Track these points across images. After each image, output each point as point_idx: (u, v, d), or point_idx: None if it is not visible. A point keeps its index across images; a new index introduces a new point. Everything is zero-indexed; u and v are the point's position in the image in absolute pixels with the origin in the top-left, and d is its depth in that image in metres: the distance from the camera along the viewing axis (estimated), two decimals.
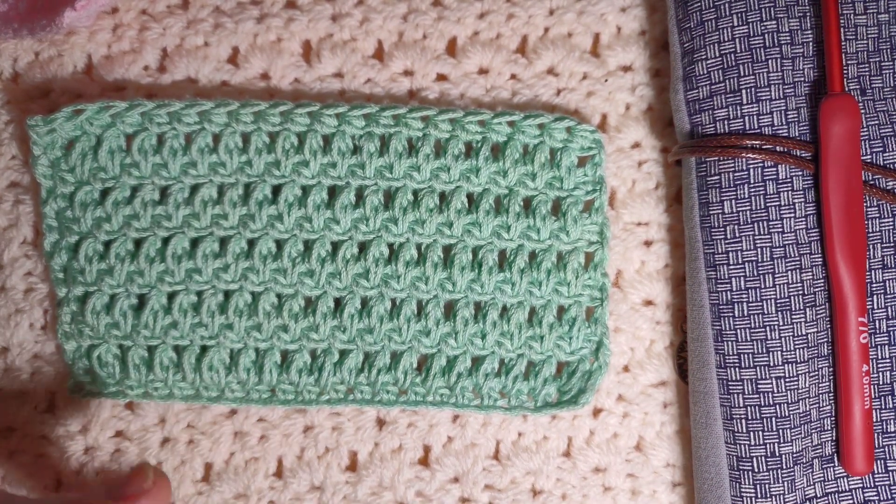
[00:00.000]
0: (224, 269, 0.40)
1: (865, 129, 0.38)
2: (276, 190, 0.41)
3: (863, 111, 0.38)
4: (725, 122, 0.38)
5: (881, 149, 0.38)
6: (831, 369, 0.38)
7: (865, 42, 0.39)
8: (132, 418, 0.42)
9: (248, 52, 0.43)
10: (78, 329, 0.41)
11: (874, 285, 0.38)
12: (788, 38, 0.38)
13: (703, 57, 0.38)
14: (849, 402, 0.37)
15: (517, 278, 0.40)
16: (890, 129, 0.38)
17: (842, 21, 0.39)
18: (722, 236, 0.38)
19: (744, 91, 0.38)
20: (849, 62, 0.39)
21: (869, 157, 0.38)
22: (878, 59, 0.39)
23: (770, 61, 0.38)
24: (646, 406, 0.42)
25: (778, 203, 0.38)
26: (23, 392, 0.42)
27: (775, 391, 0.37)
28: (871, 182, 0.38)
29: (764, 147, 0.37)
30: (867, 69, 0.39)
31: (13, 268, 0.43)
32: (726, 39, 0.38)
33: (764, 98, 0.38)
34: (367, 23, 0.43)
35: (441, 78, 0.43)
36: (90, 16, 0.42)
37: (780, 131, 0.38)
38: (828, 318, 0.38)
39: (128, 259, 0.40)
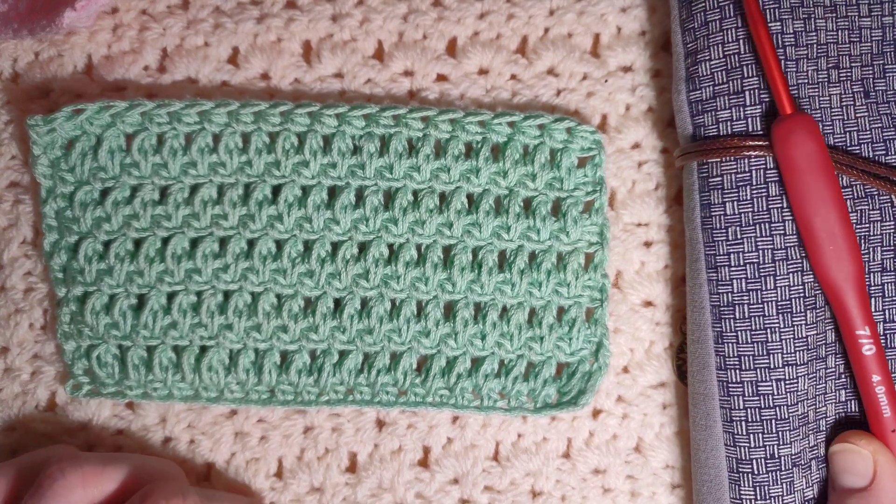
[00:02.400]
0: (224, 270, 0.40)
1: (868, 133, 0.38)
2: (276, 190, 0.41)
3: (865, 114, 0.38)
4: (728, 124, 0.38)
5: (883, 152, 0.38)
6: (829, 371, 0.38)
7: (870, 44, 0.39)
8: (133, 417, 0.42)
9: (248, 53, 0.43)
10: (77, 329, 0.41)
11: (873, 288, 0.38)
12: (792, 39, 0.38)
13: (707, 57, 0.38)
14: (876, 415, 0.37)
15: (517, 279, 0.40)
16: (893, 132, 0.38)
17: (847, 23, 0.39)
18: (723, 238, 0.38)
19: (747, 92, 0.37)
20: (853, 64, 0.39)
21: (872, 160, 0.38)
22: (881, 62, 0.39)
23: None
24: (645, 407, 0.42)
25: (780, 205, 0.37)
26: (23, 391, 0.42)
27: (775, 393, 0.37)
28: (883, 175, 0.38)
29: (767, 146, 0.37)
30: (871, 71, 0.39)
31: (13, 267, 0.43)
32: (730, 40, 0.38)
33: (767, 99, 0.37)
34: (368, 23, 0.43)
35: (441, 78, 0.43)
36: (90, 16, 0.42)
37: None
38: (826, 321, 0.38)
39: (127, 259, 0.40)
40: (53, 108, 0.42)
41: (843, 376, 0.39)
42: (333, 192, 0.41)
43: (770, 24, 0.37)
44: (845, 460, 0.37)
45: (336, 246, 0.41)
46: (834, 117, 0.38)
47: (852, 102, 0.38)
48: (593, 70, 0.43)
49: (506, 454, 0.42)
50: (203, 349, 0.41)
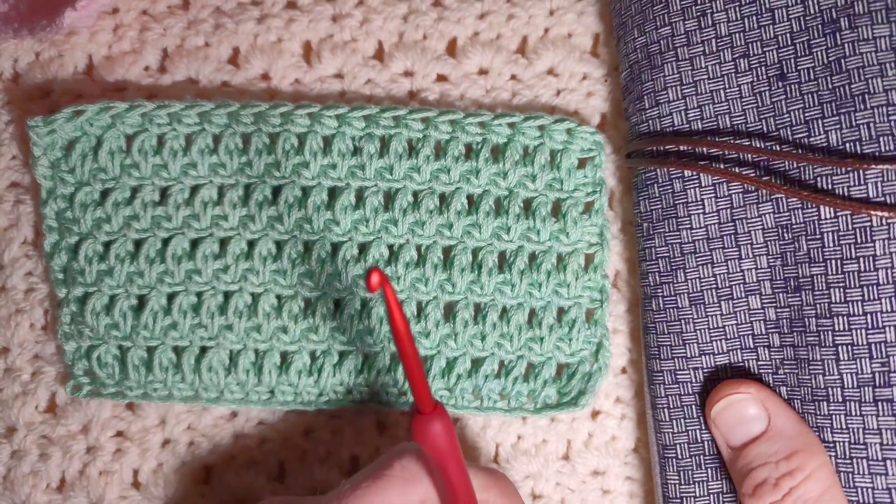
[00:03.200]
0: (224, 270, 0.40)
1: (786, 116, 0.37)
2: (276, 191, 0.41)
3: (783, 97, 0.37)
4: (649, 124, 0.39)
5: (806, 133, 0.36)
6: (762, 363, 0.37)
7: (788, 23, 0.37)
8: (133, 419, 0.42)
9: (248, 53, 0.43)
10: (77, 329, 0.41)
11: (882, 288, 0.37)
12: (685, 39, 0.38)
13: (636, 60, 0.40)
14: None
15: (517, 280, 0.40)
16: (818, 111, 0.36)
17: (753, 8, 0.37)
18: (640, 234, 0.39)
19: (646, 97, 0.39)
20: (766, 48, 0.37)
21: (791, 148, 0.37)
22: (806, 38, 0.37)
23: (666, 66, 0.39)
24: (644, 407, 0.42)
25: (684, 200, 0.38)
26: (24, 392, 0.42)
27: (693, 381, 0.38)
28: (832, 191, 0.36)
29: (691, 152, 0.38)
30: (792, 51, 0.37)
31: (14, 268, 0.43)
32: (651, 41, 0.39)
33: (662, 101, 0.39)
34: (368, 23, 0.43)
35: (441, 79, 0.43)
36: (91, 16, 0.42)
37: (683, 129, 0.38)
38: (753, 311, 0.38)
39: (128, 260, 0.40)
40: (54, 109, 0.42)
41: (780, 370, 0.37)
42: (333, 193, 0.41)
43: (661, 30, 0.39)
44: (734, 413, 0.36)
45: (336, 247, 0.41)
46: (745, 107, 0.38)
47: (767, 87, 0.37)
48: (593, 70, 0.43)
49: (505, 456, 0.42)
50: (203, 350, 0.41)
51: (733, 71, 0.38)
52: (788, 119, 0.37)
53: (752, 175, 0.37)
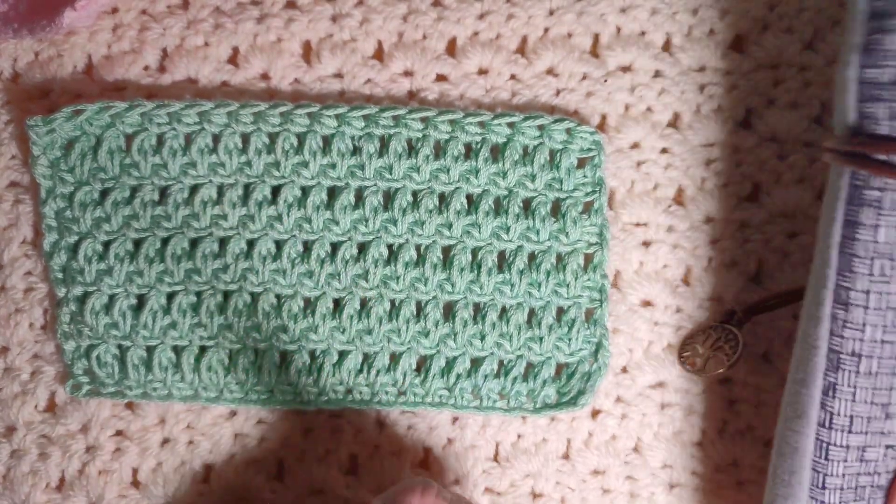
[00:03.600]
0: (223, 270, 0.40)
1: None
2: (276, 190, 0.41)
3: None
4: None
5: None
6: None
7: None
8: (132, 418, 0.42)
9: (248, 53, 0.43)
10: (77, 329, 0.41)
11: None
12: None
13: None
14: None
15: (516, 279, 0.40)
16: None
17: None
18: (866, 271, 0.29)
19: None
20: None
21: None
22: None
23: None
24: (644, 407, 0.42)
25: None
26: (23, 391, 0.42)
27: (878, 461, 0.30)
28: None
29: None
30: None
31: (13, 267, 0.43)
32: None
33: None
34: (367, 23, 0.43)
35: (441, 78, 0.43)
36: (90, 16, 0.42)
37: None
38: None
39: (127, 259, 0.40)
40: (53, 108, 0.42)
41: None
42: (333, 193, 0.41)
43: None
44: None
45: (335, 246, 0.41)
46: None
47: None
48: (593, 70, 0.43)
49: (505, 455, 0.42)
50: (203, 349, 0.41)
51: None
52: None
53: None
